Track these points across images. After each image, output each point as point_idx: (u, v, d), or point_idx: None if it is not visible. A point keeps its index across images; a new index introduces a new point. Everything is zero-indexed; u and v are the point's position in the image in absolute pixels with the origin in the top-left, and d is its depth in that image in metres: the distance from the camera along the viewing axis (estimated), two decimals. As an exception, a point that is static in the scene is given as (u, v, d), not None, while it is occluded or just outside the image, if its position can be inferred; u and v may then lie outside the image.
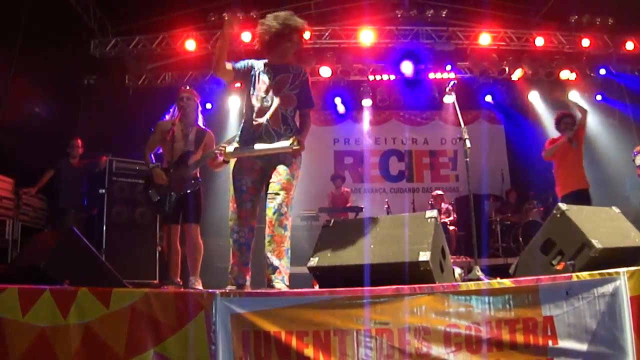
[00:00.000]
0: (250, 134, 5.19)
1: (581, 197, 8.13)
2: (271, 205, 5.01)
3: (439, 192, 13.49)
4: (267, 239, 5.03)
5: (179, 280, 6.52)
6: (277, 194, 5.05)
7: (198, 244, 6.59)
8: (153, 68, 13.26)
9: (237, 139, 5.28)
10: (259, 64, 5.37)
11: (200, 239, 6.64)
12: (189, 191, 6.55)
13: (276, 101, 5.19)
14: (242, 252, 5.27)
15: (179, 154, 6.59)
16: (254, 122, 5.16)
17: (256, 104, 5.21)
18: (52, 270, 4.68)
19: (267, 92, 5.22)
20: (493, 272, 6.41)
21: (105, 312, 3.85)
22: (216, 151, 6.50)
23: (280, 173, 5.12)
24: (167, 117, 6.89)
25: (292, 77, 5.34)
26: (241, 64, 5.33)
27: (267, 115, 5.15)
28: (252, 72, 5.32)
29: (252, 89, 5.27)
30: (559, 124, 8.69)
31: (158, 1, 11.37)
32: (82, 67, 12.18)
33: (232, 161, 5.38)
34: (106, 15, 12.09)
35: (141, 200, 9.21)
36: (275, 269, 4.94)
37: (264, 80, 5.27)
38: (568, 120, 8.61)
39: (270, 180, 5.12)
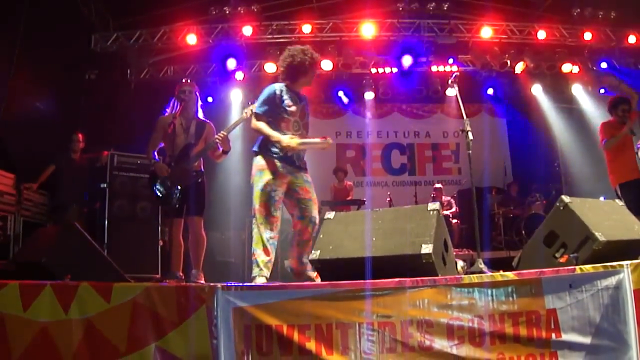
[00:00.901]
0: (284, 152, 5.61)
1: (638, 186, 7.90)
2: (311, 216, 5.68)
3: (439, 185, 13.48)
4: (303, 242, 5.69)
5: (181, 274, 6.50)
6: (314, 207, 5.72)
7: (201, 237, 6.55)
8: (154, 62, 13.26)
9: (274, 148, 5.63)
10: (279, 86, 5.78)
11: (204, 232, 6.62)
12: (196, 182, 6.51)
13: (302, 130, 5.81)
14: (274, 251, 5.56)
15: (180, 148, 6.58)
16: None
17: (289, 125, 5.72)
18: (53, 266, 4.68)
19: (294, 115, 5.74)
20: (495, 265, 6.39)
21: (107, 307, 3.85)
22: (216, 141, 6.46)
23: (311, 190, 5.76)
24: (168, 110, 6.85)
25: (306, 106, 5.95)
26: (268, 107, 5.70)
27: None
28: (275, 95, 5.72)
29: (281, 108, 5.68)
30: (615, 109, 8.29)
31: (159, -5, 11.39)
32: (83, 62, 12.14)
33: (265, 171, 5.59)
34: (107, 10, 12.06)
35: (143, 194, 9.22)
36: (306, 263, 5.57)
37: (289, 103, 5.71)
38: (625, 107, 8.24)
39: (309, 197, 5.71)
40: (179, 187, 6.44)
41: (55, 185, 9.52)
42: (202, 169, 6.79)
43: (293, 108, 5.70)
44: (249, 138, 13.68)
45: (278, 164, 5.56)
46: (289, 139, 5.49)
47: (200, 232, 6.56)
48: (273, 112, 5.66)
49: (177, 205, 6.44)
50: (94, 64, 12.39)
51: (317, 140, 5.72)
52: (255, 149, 5.72)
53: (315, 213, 5.71)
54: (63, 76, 10.76)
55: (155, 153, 6.71)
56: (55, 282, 4.04)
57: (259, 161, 5.63)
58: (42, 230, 7.14)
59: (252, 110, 5.99)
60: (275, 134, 5.54)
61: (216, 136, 6.45)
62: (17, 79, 9.30)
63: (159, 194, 6.62)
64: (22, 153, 9.23)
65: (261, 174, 5.55)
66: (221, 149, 6.57)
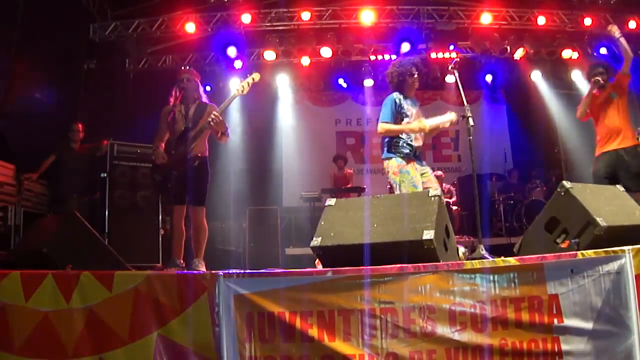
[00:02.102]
0: (412, 150, 6.31)
1: (620, 158, 7.30)
2: None
3: (439, 172, 13.46)
4: None
5: (181, 261, 6.48)
6: None
7: (202, 226, 6.52)
8: (153, 51, 13.25)
9: (405, 149, 6.31)
10: (398, 96, 6.42)
11: (205, 221, 6.59)
12: (192, 166, 6.45)
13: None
14: None
15: (178, 134, 6.54)
16: (415, 144, 6.33)
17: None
18: (54, 255, 4.68)
19: (413, 118, 6.35)
20: (496, 251, 6.39)
21: (108, 296, 3.85)
22: (209, 121, 6.38)
23: (434, 181, 6.32)
24: (171, 100, 6.81)
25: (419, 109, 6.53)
26: (397, 108, 6.37)
27: (421, 141, 6.42)
28: (395, 103, 6.37)
29: (404, 116, 6.34)
30: (589, 75, 7.76)
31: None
32: (82, 52, 12.12)
33: (406, 168, 6.22)
34: (105, -1, 12.05)
35: (143, 183, 9.23)
36: None
37: (411, 109, 6.41)
38: (598, 69, 7.66)
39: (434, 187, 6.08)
40: (174, 173, 6.40)
41: (56, 175, 9.52)
42: (207, 155, 6.73)
43: (412, 111, 6.39)
44: (250, 126, 13.75)
45: (412, 160, 6.25)
46: (418, 122, 6.18)
47: (201, 222, 6.52)
48: (395, 118, 6.31)
49: (173, 192, 6.40)
50: (93, 53, 12.36)
51: (443, 117, 6.31)
52: (386, 155, 6.37)
53: None
54: (62, 66, 10.74)
55: (162, 144, 6.68)
56: (57, 271, 4.04)
57: (398, 161, 6.24)
58: (42, 220, 7.14)
59: (248, 83, 6.46)
60: (404, 126, 6.26)
61: (209, 118, 6.38)
62: (16, 69, 9.29)
63: (156, 181, 6.61)
64: (22, 143, 9.22)
65: (407, 172, 6.17)
66: (218, 130, 6.52)
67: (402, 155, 6.24)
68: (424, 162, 6.42)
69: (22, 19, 9.22)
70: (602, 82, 7.56)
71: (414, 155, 6.28)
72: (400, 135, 6.27)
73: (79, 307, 3.84)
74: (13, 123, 9.15)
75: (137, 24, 12.28)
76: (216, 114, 6.34)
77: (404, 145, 6.26)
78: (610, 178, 7.22)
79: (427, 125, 6.14)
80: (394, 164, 6.24)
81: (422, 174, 6.24)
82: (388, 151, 6.33)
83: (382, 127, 6.27)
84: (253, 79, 6.60)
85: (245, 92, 6.55)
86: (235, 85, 6.56)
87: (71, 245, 4.92)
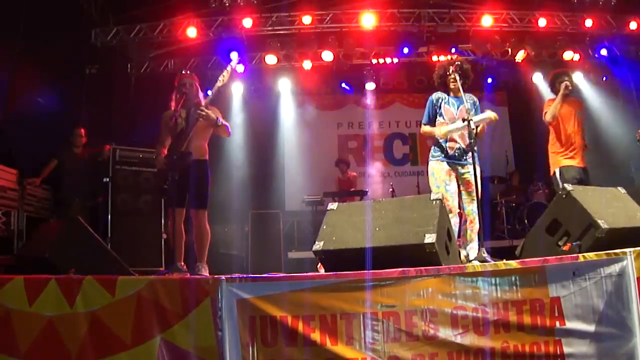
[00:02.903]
0: (444, 152, 6.52)
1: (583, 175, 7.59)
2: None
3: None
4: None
5: (182, 263, 6.45)
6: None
7: (205, 229, 6.51)
8: (155, 56, 13.24)
9: (436, 152, 6.59)
10: (436, 96, 6.70)
11: (207, 224, 6.58)
12: (192, 168, 6.42)
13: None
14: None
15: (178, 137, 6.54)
16: (449, 145, 6.48)
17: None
18: (57, 260, 4.69)
19: (453, 119, 6.48)
20: (498, 254, 6.41)
21: (112, 300, 3.86)
22: (199, 112, 6.38)
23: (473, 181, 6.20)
24: (172, 104, 6.81)
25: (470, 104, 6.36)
26: (434, 108, 6.67)
27: (460, 142, 6.44)
28: (434, 103, 6.66)
29: (439, 115, 6.61)
30: (554, 81, 7.81)
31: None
32: (83, 57, 12.12)
33: (438, 166, 6.49)
34: (107, 4, 12.04)
35: (146, 188, 9.24)
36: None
37: (450, 109, 6.57)
38: (564, 77, 7.71)
39: (471, 189, 6.34)
40: (174, 176, 6.39)
41: (58, 180, 9.53)
42: (206, 157, 6.73)
43: (452, 110, 6.54)
44: (252, 129, 13.76)
45: (441, 162, 6.47)
46: (438, 129, 6.44)
47: (203, 225, 6.51)
48: (431, 119, 6.66)
49: (174, 195, 6.38)
50: (95, 58, 12.37)
51: (456, 124, 6.29)
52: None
53: (475, 203, 6.29)
54: (64, 71, 10.75)
55: (165, 150, 6.68)
56: (60, 276, 4.06)
57: (430, 164, 6.58)
58: (45, 225, 7.17)
59: (227, 71, 6.55)
60: (429, 129, 6.59)
61: (198, 110, 6.39)
62: (18, 74, 9.30)
63: (161, 187, 6.60)
64: (25, 148, 9.22)
65: (432, 174, 6.51)
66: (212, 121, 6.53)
67: (434, 157, 6.57)
68: (467, 161, 6.43)
69: (25, 24, 9.24)
70: (572, 87, 7.71)
71: (447, 157, 6.45)
72: (436, 138, 6.55)
73: (82, 311, 3.86)
74: (16, 128, 9.14)
75: (139, 29, 12.28)
76: (202, 108, 6.37)
77: (436, 148, 6.59)
78: None
79: (442, 132, 6.35)
80: (430, 165, 6.60)
81: (462, 175, 6.43)
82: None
83: (422, 129, 6.76)
84: (231, 66, 6.65)
85: (225, 80, 6.58)
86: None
87: (74, 250, 4.94)
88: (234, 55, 6.69)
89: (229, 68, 6.61)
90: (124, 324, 3.82)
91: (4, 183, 8.60)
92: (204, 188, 6.56)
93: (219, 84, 6.52)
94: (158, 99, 7.73)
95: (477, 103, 6.66)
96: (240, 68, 12.93)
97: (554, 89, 7.81)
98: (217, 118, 6.56)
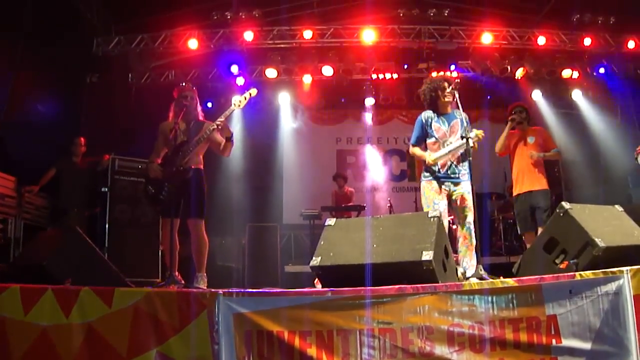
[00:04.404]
0: (433, 171, 6.41)
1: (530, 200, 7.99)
2: (466, 221, 6.27)
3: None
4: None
5: (177, 273, 6.42)
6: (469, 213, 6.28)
7: (203, 239, 6.48)
8: (156, 66, 13.25)
9: (426, 171, 6.49)
10: (426, 115, 6.59)
11: (205, 234, 6.57)
12: (188, 178, 6.41)
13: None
14: None
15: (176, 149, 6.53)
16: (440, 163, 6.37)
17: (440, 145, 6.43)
18: (54, 269, 4.69)
19: (444, 137, 6.44)
20: (496, 270, 6.39)
21: (108, 312, 3.86)
22: (213, 127, 6.39)
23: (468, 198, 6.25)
24: (171, 115, 6.80)
25: (460, 121, 6.37)
26: (423, 128, 6.58)
27: (449, 159, 6.36)
28: (425, 122, 6.56)
29: (430, 135, 6.51)
30: (508, 113, 8.44)
31: (161, 0, 11.38)
32: (85, 65, 12.15)
33: (428, 185, 6.42)
34: (109, 14, 12.07)
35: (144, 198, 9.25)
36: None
37: (440, 127, 6.49)
38: (517, 109, 8.45)
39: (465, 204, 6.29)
40: (168, 186, 6.38)
41: (57, 188, 9.54)
42: (201, 167, 6.72)
43: (443, 128, 6.45)
44: (251, 142, 13.75)
45: (431, 181, 6.38)
46: (428, 155, 6.36)
47: (201, 235, 6.49)
48: (420, 139, 6.62)
49: (168, 204, 6.36)
50: (96, 67, 12.40)
51: (451, 147, 6.28)
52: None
53: (470, 218, 6.21)
54: (65, 79, 10.77)
55: (159, 160, 6.68)
56: (57, 286, 4.06)
57: (422, 183, 6.49)
58: (43, 234, 7.15)
59: (245, 98, 6.47)
60: (418, 152, 6.56)
61: (215, 123, 6.37)
62: (19, 81, 9.32)
63: (149, 193, 6.59)
64: (24, 156, 9.22)
65: (423, 192, 6.45)
66: (222, 137, 6.51)
67: (425, 177, 6.47)
68: (459, 179, 6.35)
69: (26, 32, 9.26)
70: (517, 120, 8.21)
71: (438, 176, 6.36)
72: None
73: (78, 322, 3.85)
74: (15, 135, 9.16)
75: (140, 39, 12.31)
76: (221, 119, 6.36)
77: (427, 167, 6.47)
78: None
79: (433, 157, 6.28)
80: (421, 185, 6.50)
81: (455, 192, 6.31)
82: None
83: (410, 150, 6.70)
84: (250, 94, 6.60)
85: (242, 106, 6.54)
86: (234, 100, 6.55)
87: (71, 259, 4.93)
88: (253, 91, 6.62)
89: (247, 95, 6.56)
90: (120, 336, 3.82)
91: (2, 190, 8.62)
92: (201, 198, 6.54)
93: (233, 107, 6.50)
94: (158, 110, 7.72)
95: (467, 119, 6.34)
96: (241, 81, 12.95)
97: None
98: (232, 134, 6.58)
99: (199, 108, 6.90)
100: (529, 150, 8.05)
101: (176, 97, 6.77)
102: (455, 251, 6.26)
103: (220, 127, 6.36)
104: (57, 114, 10.38)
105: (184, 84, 7.29)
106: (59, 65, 10.24)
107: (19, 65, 9.29)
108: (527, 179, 8.01)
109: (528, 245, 7.45)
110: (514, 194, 8.20)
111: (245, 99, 6.55)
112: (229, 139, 6.52)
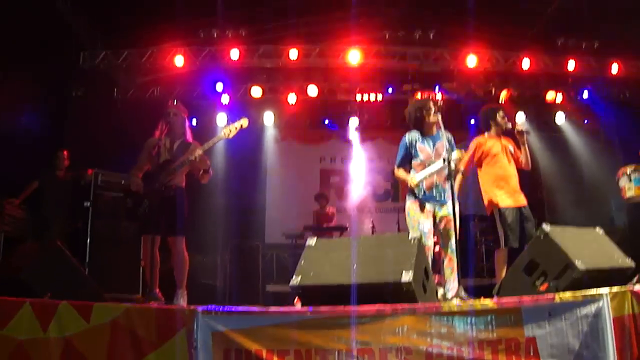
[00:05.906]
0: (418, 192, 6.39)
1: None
2: (450, 243, 6.26)
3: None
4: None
5: (158, 290, 6.40)
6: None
7: (184, 256, 6.50)
8: (142, 82, 13.23)
9: (411, 192, 6.48)
10: (410, 136, 6.61)
11: (186, 251, 6.56)
12: (168, 196, 6.41)
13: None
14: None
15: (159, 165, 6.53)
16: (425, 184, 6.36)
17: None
18: (33, 282, 4.66)
19: (429, 159, 6.43)
20: (478, 292, 6.42)
21: (86, 327, 3.83)
22: (190, 158, 6.39)
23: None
24: (157, 133, 6.81)
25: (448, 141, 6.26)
26: (408, 150, 6.58)
27: (434, 180, 6.37)
28: (409, 143, 6.56)
29: (414, 157, 6.52)
30: (494, 120, 8.15)
31: (148, 16, 11.36)
32: (70, 79, 12.13)
33: (413, 206, 6.42)
34: (96, 28, 12.05)
35: (126, 214, 9.19)
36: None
37: (425, 148, 6.51)
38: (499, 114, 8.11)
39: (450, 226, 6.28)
40: (147, 202, 6.37)
41: (38, 201, 9.48)
42: (183, 186, 6.72)
43: (428, 149, 6.48)
44: (234, 161, 13.72)
45: (416, 201, 6.37)
46: (411, 179, 6.32)
47: (182, 251, 6.50)
48: (405, 160, 6.62)
49: (149, 221, 6.35)
50: (81, 81, 12.37)
51: (431, 168, 6.25)
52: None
53: (454, 240, 6.12)
54: (50, 93, 10.74)
55: (140, 174, 6.67)
56: (35, 299, 4.03)
57: (407, 204, 6.50)
58: (23, 247, 7.10)
59: (236, 128, 6.40)
60: (402, 175, 6.57)
61: (191, 156, 6.37)
62: (2, 94, 9.28)
63: (127, 206, 6.58)
64: (6, 168, 9.17)
65: (408, 213, 6.45)
66: (200, 169, 6.53)
67: (409, 197, 6.48)
68: (444, 200, 6.40)
69: (11, 44, 9.23)
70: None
71: (424, 197, 6.36)
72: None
73: (56, 336, 3.83)
74: (-3, 147, 9.12)
75: (127, 54, 12.30)
76: (199, 152, 6.35)
77: (410, 188, 6.42)
78: None
79: (416, 180, 6.24)
80: (406, 205, 6.49)
81: (439, 213, 6.34)
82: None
83: (395, 172, 6.71)
84: (241, 125, 6.59)
85: (231, 136, 6.54)
86: (222, 127, 6.55)
87: (51, 273, 4.91)
88: (244, 122, 6.61)
89: (237, 125, 6.57)
90: (97, 351, 3.79)
91: (-18, 202, 8.56)
92: (182, 215, 6.55)
93: (222, 135, 6.50)
94: (142, 126, 7.72)
95: (452, 139, 6.46)
96: (226, 99, 12.96)
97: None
98: (209, 167, 6.58)
99: (187, 126, 6.90)
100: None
101: (163, 114, 6.79)
102: (438, 272, 6.28)
103: (197, 159, 6.35)
104: (41, 127, 10.34)
105: (175, 101, 7.28)
106: (45, 78, 10.22)
107: (3, 78, 9.25)
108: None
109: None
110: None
111: (236, 129, 6.55)
112: (207, 171, 6.53)
